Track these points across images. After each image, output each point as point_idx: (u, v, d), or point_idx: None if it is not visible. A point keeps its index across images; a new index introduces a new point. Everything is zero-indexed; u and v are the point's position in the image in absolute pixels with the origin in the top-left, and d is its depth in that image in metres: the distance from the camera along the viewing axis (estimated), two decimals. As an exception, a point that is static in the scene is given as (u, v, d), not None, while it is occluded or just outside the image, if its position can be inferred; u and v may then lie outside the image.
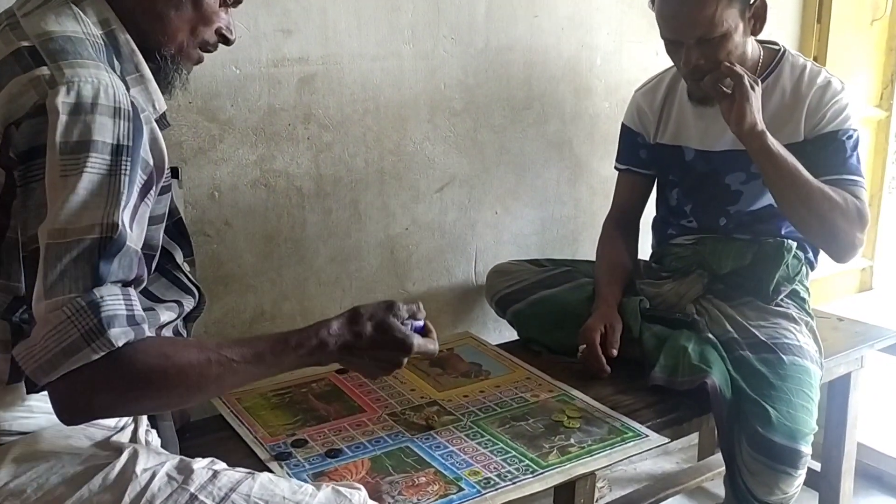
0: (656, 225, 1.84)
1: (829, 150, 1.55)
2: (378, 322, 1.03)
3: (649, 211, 1.84)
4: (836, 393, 1.79)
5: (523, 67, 1.89)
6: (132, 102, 0.89)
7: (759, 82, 1.49)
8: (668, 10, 1.50)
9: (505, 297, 1.75)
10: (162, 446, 1.10)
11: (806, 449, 1.37)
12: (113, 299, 0.84)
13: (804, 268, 1.66)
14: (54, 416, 0.90)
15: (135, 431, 1.04)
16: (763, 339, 1.49)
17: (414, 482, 1.20)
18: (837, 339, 1.74)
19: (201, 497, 0.93)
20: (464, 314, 1.94)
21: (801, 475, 1.40)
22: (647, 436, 1.35)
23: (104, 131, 0.85)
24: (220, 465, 0.99)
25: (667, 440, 1.36)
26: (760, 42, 1.62)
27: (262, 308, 1.65)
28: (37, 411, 0.95)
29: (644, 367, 1.53)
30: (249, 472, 0.99)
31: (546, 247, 2.00)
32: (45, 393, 0.88)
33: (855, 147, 1.56)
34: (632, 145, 1.77)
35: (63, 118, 0.83)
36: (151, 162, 0.93)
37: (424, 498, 1.16)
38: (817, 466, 1.88)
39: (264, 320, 1.65)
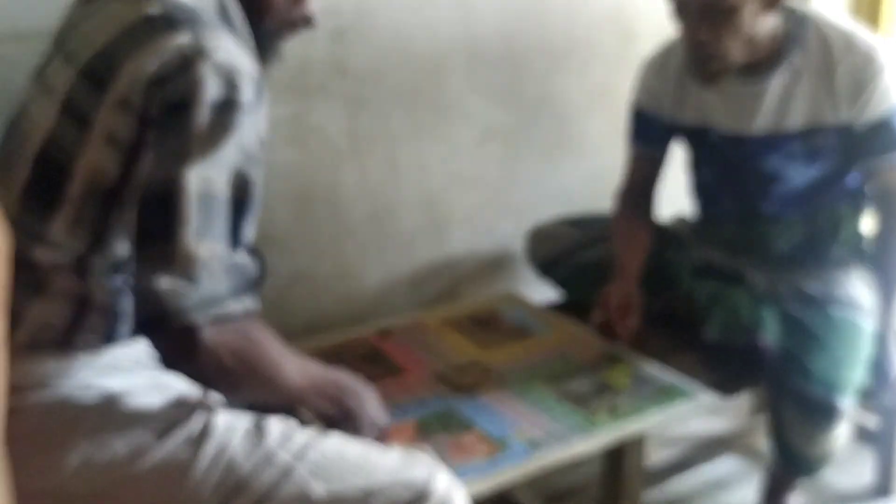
0: (695, 193, 1.71)
1: (881, 133, 1.44)
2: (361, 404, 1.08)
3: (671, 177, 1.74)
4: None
5: (564, 12, 1.81)
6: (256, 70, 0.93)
7: None
8: None
9: (547, 261, 1.69)
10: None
11: (843, 404, 1.32)
12: (249, 263, 0.91)
13: (857, 218, 1.56)
14: (137, 376, 0.96)
15: (205, 392, 1.04)
16: (812, 293, 1.43)
17: (460, 443, 1.18)
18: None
19: (280, 452, 0.94)
20: (506, 273, 1.90)
21: (841, 428, 1.35)
22: (697, 394, 1.31)
23: (244, 94, 0.89)
24: (294, 423, 1.00)
25: (715, 398, 1.32)
26: (785, 11, 1.44)
27: (298, 269, 1.63)
28: (122, 372, 0.97)
29: (694, 326, 1.48)
30: (321, 432, 1.00)
31: (591, 200, 1.93)
32: (130, 355, 0.96)
33: None
34: (645, 125, 1.62)
35: (210, 80, 0.87)
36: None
37: (471, 459, 1.14)
38: (873, 423, 1.82)
39: (302, 280, 1.63)
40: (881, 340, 1.43)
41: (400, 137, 1.68)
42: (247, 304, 0.90)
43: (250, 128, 0.90)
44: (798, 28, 1.44)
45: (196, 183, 0.86)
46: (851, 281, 1.47)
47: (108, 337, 0.94)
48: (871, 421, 1.83)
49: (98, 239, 0.94)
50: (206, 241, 0.86)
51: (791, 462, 1.41)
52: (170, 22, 0.91)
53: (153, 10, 0.93)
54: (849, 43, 1.42)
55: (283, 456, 0.94)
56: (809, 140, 1.47)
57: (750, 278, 1.51)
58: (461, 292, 1.83)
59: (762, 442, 1.97)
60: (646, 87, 1.60)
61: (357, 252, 1.68)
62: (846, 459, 1.89)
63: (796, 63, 1.44)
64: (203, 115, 0.87)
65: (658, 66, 1.58)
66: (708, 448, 1.86)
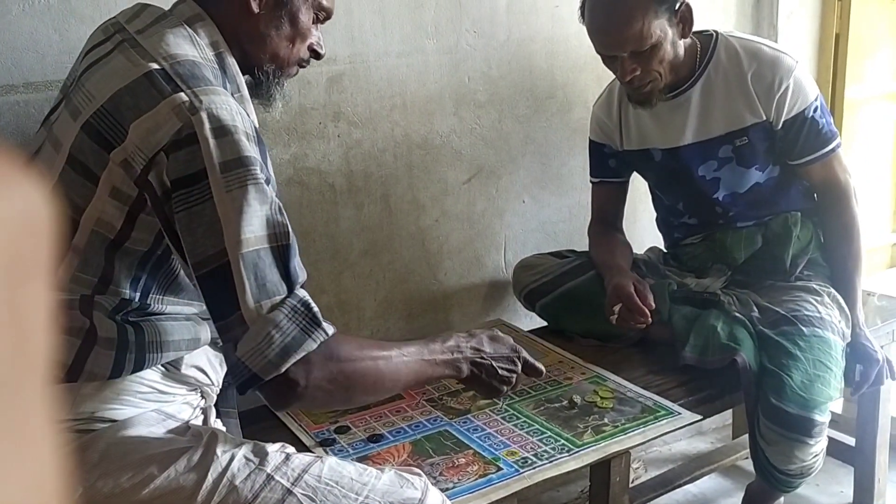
0: (660, 226, 1.87)
1: (803, 132, 1.58)
2: (491, 334, 1.19)
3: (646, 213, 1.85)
4: (868, 368, 1.80)
5: (545, 58, 1.92)
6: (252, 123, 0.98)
7: None
8: (597, 28, 1.52)
9: (532, 291, 1.77)
10: None
11: (820, 417, 1.39)
12: (306, 297, 0.94)
13: (814, 233, 1.68)
14: (140, 407, 1.00)
15: (205, 422, 1.10)
16: (783, 312, 1.52)
17: (454, 463, 1.25)
18: (868, 314, 1.75)
19: (276, 477, 0.97)
20: (494, 302, 1.97)
21: (818, 443, 1.42)
22: (679, 413, 1.39)
23: (245, 147, 0.93)
24: (290, 448, 1.04)
25: (699, 417, 1.40)
26: (695, 33, 1.60)
27: (300, 302, 1.69)
28: (126, 403, 1.01)
29: (674, 349, 1.56)
30: (318, 456, 1.04)
31: (573, 234, 2.03)
32: (133, 386, 1.00)
33: (822, 111, 1.59)
34: (600, 157, 1.79)
35: (213, 142, 0.91)
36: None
37: (465, 478, 1.21)
38: (852, 441, 1.89)
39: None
40: (853, 336, 1.55)
41: (393, 176, 1.76)
42: (320, 335, 0.94)
43: (263, 176, 0.94)
44: (708, 45, 1.61)
45: (241, 247, 0.90)
46: (821, 298, 1.57)
47: (113, 370, 0.98)
48: (849, 439, 1.91)
49: (102, 282, 0.99)
50: (266, 298, 0.91)
51: (771, 477, 1.47)
52: (170, 80, 0.94)
53: (154, 66, 0.95)
54: (755, 51, 1.59)
55: (281, 481, 0.97)
56: (734, 141, 1.61)
57: (724, 301, 1.60)
58: (453, 321, 1.91)
59: (745, 462, 2.05)
60: (596, 123, 1.78)
61: (355, 285, 1.75)
62: (826, 477, 1.96)
63: (711, 76, 1.60)
64: (220, 179, 0.90)
65: (601, 104, 1.77)
66: (693, 467, 1.92)
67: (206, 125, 0.91)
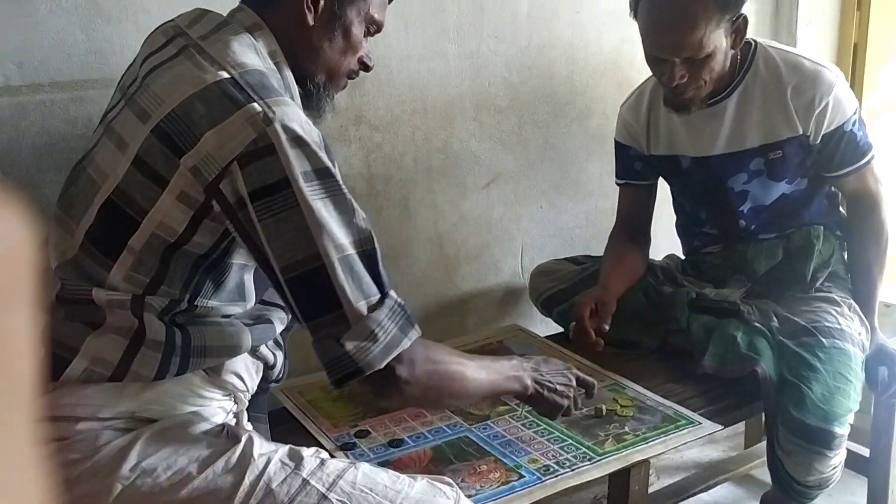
0: (680, 232, 1.86)
1: (841, 146, 1.57)
2: (544, 357, 1.27)
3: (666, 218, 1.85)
4: (885, 379, 1.79)
5: (565, 63, 1.92)
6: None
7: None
8: (655, 28, 1.48)
9: (549, 298, 1.77)
10: None
11: (840, 430, 1.39)
12: (399, 299, 0.99)
13: (836, 246, 1.67)
14: (178, 410, 1.03)
15: (237, 425, 1.11)
16: (804, 324, 1.51)
17: (476, 470, 1.25)
18: (885, 325, 1.75)
19: (312, 482, 0.98)
20: (511, 307, 1.98)
21: (837, 455, 1.42)
22: (700, 423, 1.38)
23: (324, 158, 0.95)
24: (324, 454, 1.05)
25: (719, 427, 1.39)
26: None
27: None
28: (166, 405, 1.03)
29: (692, 358, 1.55)
30: (352, 462, 1.04)
31: (590, 239, 2.03)
32: (175, 389, 1.03)
33: (860, 124, 1.58)
34: (626, 159, 1.76)
35: (292, 152, 0.92)
36: None
37: (487, 485, 1.21)
38: (866, 452, 1.89)
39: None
40: (872, 340, 1.55)
41: (412, 180, 1.76)
42: (414, 334, 0.99)
43: (345, 186, 0.97)
44: (747, 54, 1.59)
45: (336, 253, 0.93)
46: (841, 310, 1.56)
47: (159, 372, 1.00)
48: (863, 450, 1.90)
49: (154, 283, 1.00)
50: (366, 298, 0.95)
51: (788, 488, 1.46)
52: (242, 90, 0.94)
53: (224, 74, 0.96)
54: (795, 65, 1.57)
55: (317, 486, 0.98)
56: (768, 154, 1.59)
57: (743, 311, 1.59)
58: (469, 325, 1.91)
59: (758, 471, 2.05)
60: (623, 125, 1.75)
61: (372, 289, 1.76)
62: (839, 487, 1.94)
63: (748, 86, 1.58)
64: (305, 188, 0.92)
65: (630, 105, 1.74)
66: (707, 475, 1.92)
67: (283, 136, 0.92)
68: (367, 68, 1.16)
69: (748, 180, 1.63)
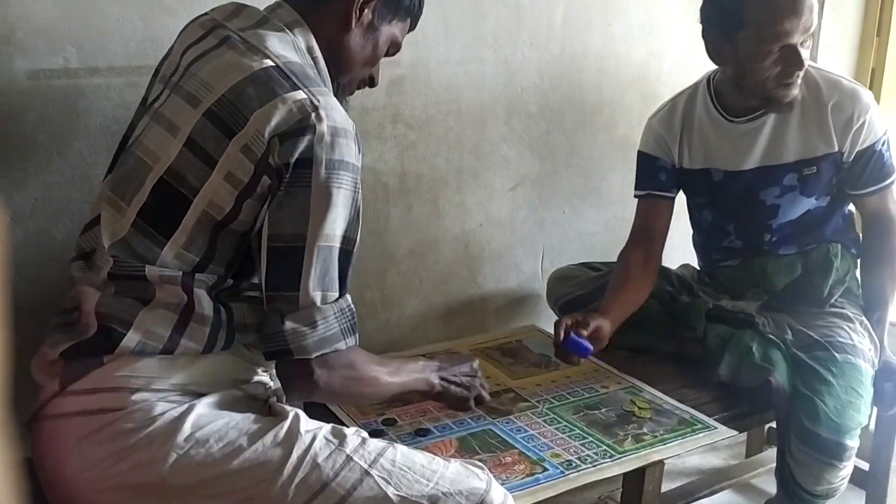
0: (698, 246, 1.87)
1: (870, 165, 1.63)
2: (447, 355, 1.36)
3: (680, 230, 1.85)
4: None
5: (595, 73, 1.97)
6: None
7: None
8: (781, 5, 1.46)
9: (567, 303, 1.78)
10: None
11: (851, 442, 1.44)
12: (351, 306, 1.06)
13: (851, 263, 1.72)
14: (225, 384, 1.07)
15: (281, 402, 1.15)
16: (817, 338, 1.55)
17: (501, 461, 1.29)
18: (890, 344, 1.80)
19: (355, 458, 1.03)
20: (529, 307, 2.02)
21: (847, 467, 1.47)
22: (716, 428, 1.43)
23: (352, 154, 1.02)
24: (364, 433, 1.10)
25: (735, 432, 1.44)
26: None
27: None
28: (214, 379, 1.07)
29: (707, 366, 1.60)
30: (390, 442, 1.09)
31: (608, 245, 2.07)
32: (220, 363, 1.06)
33: (888, 145, 1.64)
34: (651, 170, 1.74)
35: (329, 139, 0.99)
36: None
37: (513, 476, 1.25)
38: (866, 466, 1.94)
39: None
40: (881, 357, 1.60)
41: (443, 179, 1.80)
42: (351, 341, 1.05)
43: (358, 185, 1.03)
44: None
45: (319, 239, 1.00)
46: (854, 326, 1.61)
47: (207, 345, 1.04)
48: (863, 464, 1.95)
49: (203, 260, 1.05)
50: (323, 290, 1.01)
51: (795, 496, 1.50)
52: (287, 77, 1.01)
53: (269, 63, 1.02)
54: (834, 83, 1.62)
55: (360, 462, 1.03)
56: (802, 170, 1.63)
57: (759, 322, 1.63)
58: (488, 324, 1.95)
59: (758, 479, 2.10)
60: (653, 136, 1.74)
61: (399, 282, 1.80)
62: (838, 500, 2.00)
63: None
64: (323, 173, 0.99)
65: (662, 117, 1.74)
66: (710, 481, 1.97)
67: (325, 122, 0.99)
68: (373, 84, 1.24)
69: (780, 195, 1.66)
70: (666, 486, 2.06)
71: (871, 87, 2.37)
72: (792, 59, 1.50)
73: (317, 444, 1.03)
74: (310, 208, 0.99)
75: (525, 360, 1.71)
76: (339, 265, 1.03)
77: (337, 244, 1.02)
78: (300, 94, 1.00)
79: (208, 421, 1.02)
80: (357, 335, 1.07)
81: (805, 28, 1.48)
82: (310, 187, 0.99)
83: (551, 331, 1.87)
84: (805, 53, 1.51)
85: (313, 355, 1.01)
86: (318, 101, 1.00)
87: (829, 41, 2.30)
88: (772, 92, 1.55)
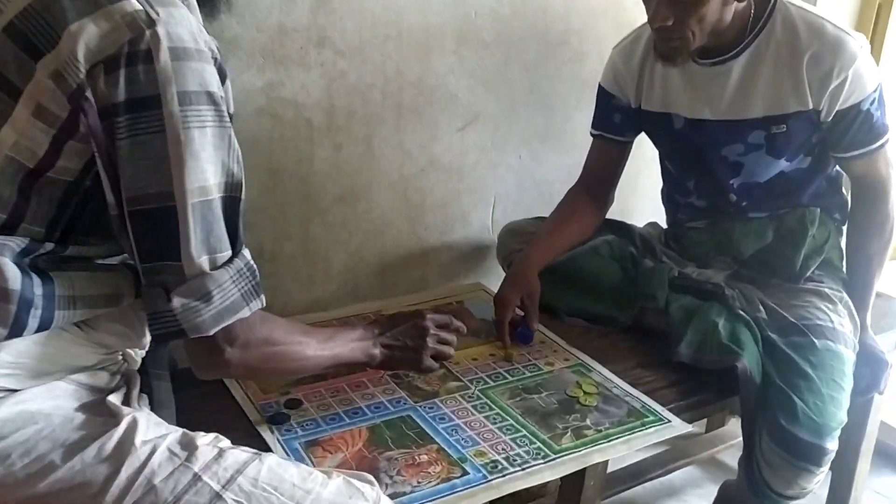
0: (665, 200, 1.72)
1: (854, 125, 1.42)
2: (389, 314, 1.21)
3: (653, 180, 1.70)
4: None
5: (564, -1, 1.73)
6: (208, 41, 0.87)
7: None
8: None
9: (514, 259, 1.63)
10: (154, 409, 1.01)
11: (831, 445, 1.30)
12: (250, 261, 0.90)
13: (832, 231, 1.55)
14: (45, 375, 0.87)
15: (128, 394, 0.96)
16: (793, 320, 1.39)
17: (415, 460, 1.12)
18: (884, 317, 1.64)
19: (205, 477, 0.86)
20: (476, 263, 1.85)
21: (823, 472, 1.33)
22: (668, 421, 1.27)
23: (211, 80, 0.83)
24: (225, 442, 0.93)
25: (689, 427, 1.28)
26: None
27: (262, 247, 1.55)
28: (26, 369, 0.86)
29: (668, 341, 1.43)
30: (256, 453, 0.92)
31: (570, 196, 1.88)
32: (37, 349, 0.87)
33: (879, 103, 1.43)
34: (606, 109, 1.61)
35: (173, 65, 0.80)
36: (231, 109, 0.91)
37: (426, 480, 1.08)
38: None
39: (263, 260, 1.54)
40: (861, 339, 1.45)
41: (378, 116, 1.59)
42: (256, 304, 0.91)
43: (227, 116, 0.84)
44: (764, 10, 1.42)
45: (190, 193, 0.82)
46: (834, 306, 1.45)
47: (13, 328, 0.83)
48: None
49: (13, 218, 0.85)
50: (211, 253, 0.85)
51: (762, 495, 1.36)
52: None
53: None
54: (818, 30, 1.40)
55: (210, 482, 0.86)
56: (770, 128, 1.45)
57: (728, 296, 1.46)
58: (430, 280, 1.77)
59: (725, 454, 1.97)
60: (612, 69, 1.59)
61: (325, 234, 1.61)
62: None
63: (760, 48, 1.42)
64: (174, 112, 0.80)
65: (625, 50, 1.57)
66: (669, 458, 1.83)
67: (164, 43, 0.80)
68: None
69: (744, 153, 1.49)
70: (619, 464, 1.93)
71: (874, 27, 2.14)
72: (650, 12, 1.35)
73: (156, 458, 0.85)
74: (169, 158, 0.81)
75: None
76: (226, 218, 0.86)
77: (216, 195, 0.85)
78: (132, 6, 0.80)
79: (13, 429, 0.83)
80: (263, 296, 0.92)
81: None
82: (163, 132, 0.81)
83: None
84: (664, 13, 1.31)
85: (212, 332, 0.86)
86: (158, 14, 0.80)
87: (824, 3, 2.06)
88: (654, 39, 1.43)
